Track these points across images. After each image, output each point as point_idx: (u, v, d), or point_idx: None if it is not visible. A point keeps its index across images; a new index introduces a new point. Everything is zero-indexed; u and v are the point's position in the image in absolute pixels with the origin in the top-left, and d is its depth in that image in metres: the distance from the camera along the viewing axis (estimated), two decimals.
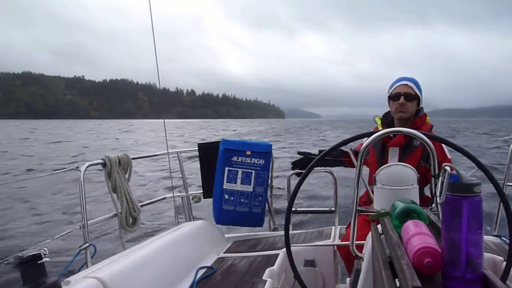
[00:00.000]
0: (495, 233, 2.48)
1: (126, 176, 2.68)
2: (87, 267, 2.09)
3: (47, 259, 1.12)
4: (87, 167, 2.38)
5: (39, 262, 1.14)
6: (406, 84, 2.24)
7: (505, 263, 1.19)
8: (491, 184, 1.19)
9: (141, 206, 2.76)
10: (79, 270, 1.82)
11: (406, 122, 2.25)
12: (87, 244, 2.26)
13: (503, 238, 2.27)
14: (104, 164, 2.51)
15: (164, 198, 3.17)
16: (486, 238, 2.29)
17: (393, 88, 2.28)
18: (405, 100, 2.21)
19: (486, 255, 1.90)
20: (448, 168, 0.79)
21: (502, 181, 2.70)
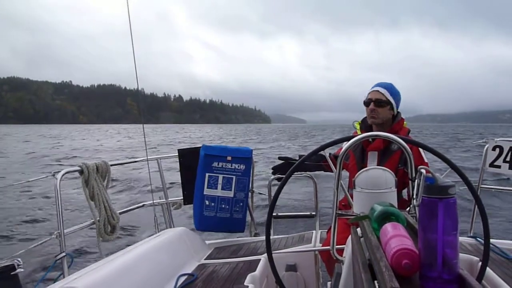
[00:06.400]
0: (471, 234, 2.54)
1: (105, 183, 2.62)
2: (63, 277, 2.03)
3: (21, 270, 1.08)
4: (64, 174, 2.32)
5: (12, 273, 1.10)
6: (378, 91, 2.31)
7: (480, 263, 1.22)
8: (466, 186, 1.23)
9: (120, 213, 2.71)
10: (55, 281, 1.76)
11: (383, 126, 2.30)
12: (63, 254, 2.19)
13: (478, 239, 2.33)
14: (81, 172, 2.45)
15: (143, 205, 3.12)
16: (462, 239, 2.35)
17: (367, 94, 2.34)
18: (375, 106, 2.28)
19: (462, 255, 1.95)
20: (423, 171, 0.80)
21: (477, 184, 2.78)
